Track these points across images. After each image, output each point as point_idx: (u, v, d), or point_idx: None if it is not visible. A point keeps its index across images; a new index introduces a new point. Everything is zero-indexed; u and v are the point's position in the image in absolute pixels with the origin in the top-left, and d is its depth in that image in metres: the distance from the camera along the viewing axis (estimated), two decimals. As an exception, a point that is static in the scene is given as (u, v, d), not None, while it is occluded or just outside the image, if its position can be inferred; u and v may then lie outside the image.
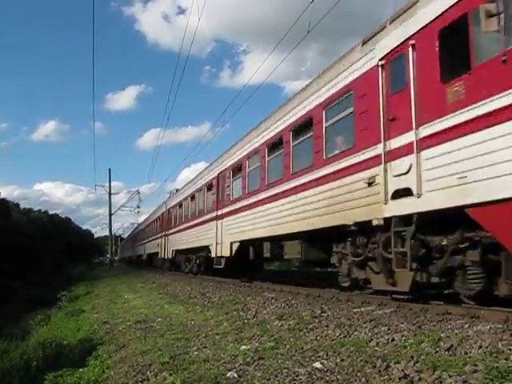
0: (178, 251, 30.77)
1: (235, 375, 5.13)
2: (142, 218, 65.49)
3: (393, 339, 5.92)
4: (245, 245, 17.11)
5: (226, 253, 18.56)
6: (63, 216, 77.68)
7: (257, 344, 6.49)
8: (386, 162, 8.99)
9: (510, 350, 4.91)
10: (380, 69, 9.33)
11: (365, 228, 9.84)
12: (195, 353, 6.39)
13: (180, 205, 30.94)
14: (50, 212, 69.36)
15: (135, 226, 70.94)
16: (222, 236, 19.36)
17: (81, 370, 7.19)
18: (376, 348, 5.64)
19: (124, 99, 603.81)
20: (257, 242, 15.99)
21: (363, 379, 4.54)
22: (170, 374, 5.48)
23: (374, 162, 9.36)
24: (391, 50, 9.08)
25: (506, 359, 4.61)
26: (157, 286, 19.78)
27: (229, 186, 19.41)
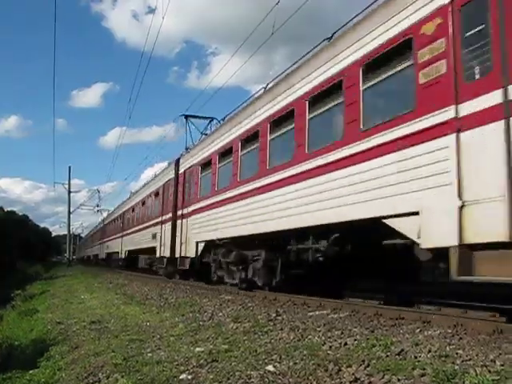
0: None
1: (188, 377, 5.12)
2: (101, 218, 64.63)
3: (345, 343, 6.00)
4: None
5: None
6: (20, 213, 75.85)
7: (211, 346, 6.47)
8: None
9: (456, 353, 5.05)
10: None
11: None
12: (149, 354, 6.34)
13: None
14: (7, 209, 67.68)
15: (95, 225, 70.63)
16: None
17: (31, 371, 7.04)
18: (329, 352, 5.70)
19: (90, 96, 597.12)
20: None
21: (315, 382, 4.57)
22: (122, 376, 5.41)
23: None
24: None
25: (453, 363, 4.73)
26: (114, 287, 19.56)
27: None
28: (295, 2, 14.14)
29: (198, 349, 6.36)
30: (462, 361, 4.81)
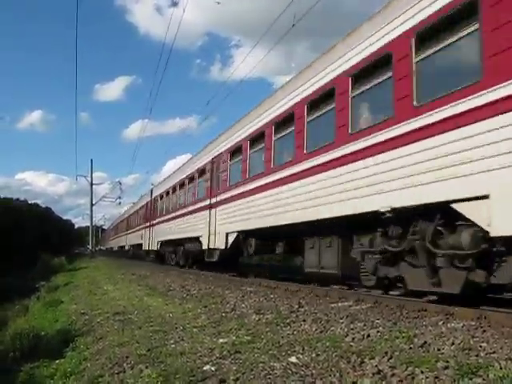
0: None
1: (212, 368, 5.17)
2: (124, 209, 64.67)
3: (368, 335, 6.00)
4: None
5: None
6: (44, 206, 76.78)
7: (234, 338, 6.52)
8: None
9: (480, 346, 5.03)
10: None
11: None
12: (172, 345, 6.41)
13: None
14: (31, 201, 68.60)
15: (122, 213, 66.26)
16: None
17: (57, 361, 7.16)
18: (351, 343, 5.71)
19: (112, 90, 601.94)
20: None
21: (337, 374, 4.59)
22: (147, 367, 5.49)
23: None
24: None
25: (477, 356, 4.71)
26: (136, 278, 19.73)
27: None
28: (316, -7, 14.01)
29: (221, 340, 6.42)
30: (486, 354, 4.79)
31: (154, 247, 32.15)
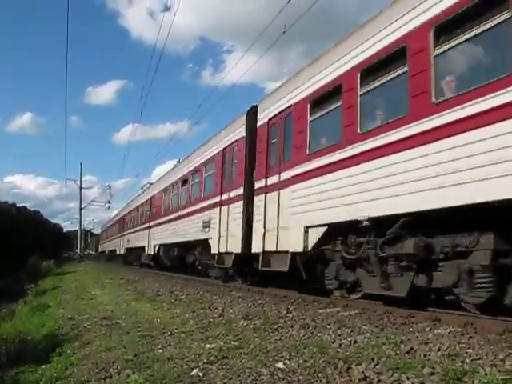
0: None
1: (199, 373, 5.16)
2: (114, 213, 63.57)
3: (355, 341, 6.02)
4: None
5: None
6: (32, 209, 76.33)
7: (221, 343, 6.51)
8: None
9: (466, 353, 5.07)
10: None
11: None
12: (160, 351, 6.40)
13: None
14: (20, 205, 68.21)
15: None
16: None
17: (43, 366, 7.14)
18: (338, 349, 5.72)
19: (104, 93, 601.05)
20: None
21: (324, 380, 4.60)
22: (133, 372, 5.48)
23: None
24: None
25: (463, 362, 4.75)
26: (125, 283, 19.66)
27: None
28: (308, 0, 14.06)
29: (208, 345, 6.41)
30: (472, 360, 4.82)
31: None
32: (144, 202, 35.02)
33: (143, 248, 31.47)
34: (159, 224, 27.01)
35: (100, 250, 79.21)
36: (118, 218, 52.96)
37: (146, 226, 32.09)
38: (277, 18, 14.68)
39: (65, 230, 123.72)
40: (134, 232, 38.88)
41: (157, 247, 27.31)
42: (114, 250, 50.77)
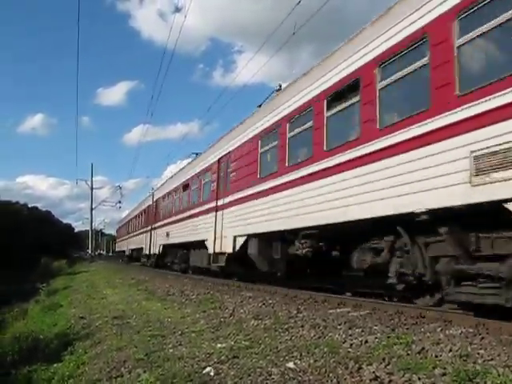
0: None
1: (210, 373, 5.18)
2: (125, 213, 63.74)
3: (366, 341, 6.00)
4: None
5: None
6: (44, 209, 76.87)
7: (232, 343, 6.52)
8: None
9: (478, 353, 5.03)
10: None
11: None
12: (170, 350, 6.41)
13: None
14: (31, 205, 68.77)
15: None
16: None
17: (55, 365, 7.20)
18: (349, 349, 5.71)
19: (115, 94, 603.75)
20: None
21: (335, 380, 4.60)
22: (145, 371, 5.50)
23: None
24: None
25: (474, 363, 4.72)
26: (136, 282, 19.71)
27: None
28: (318, 1, 14.08)
29: (219, 345, 6.42)
30: (484, 361, 4.80)
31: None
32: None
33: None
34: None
35: (118, 248, 68.74)
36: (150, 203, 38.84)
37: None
38: (287, 19, 14.70)
39: (76, 230, 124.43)
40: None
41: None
42: (141, 249, 38.96)
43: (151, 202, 34.31)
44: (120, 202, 70.17)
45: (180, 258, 25.78)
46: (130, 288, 17.30)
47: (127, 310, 10.96)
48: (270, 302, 10.54)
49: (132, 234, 44.81)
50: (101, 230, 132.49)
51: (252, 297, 11.78)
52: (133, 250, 45.99)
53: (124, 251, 54.41)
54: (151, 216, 33.72)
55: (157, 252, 30.49)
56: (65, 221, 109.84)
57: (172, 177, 29.24)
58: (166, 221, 28.01)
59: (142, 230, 38.06)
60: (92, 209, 64.33)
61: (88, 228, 73.83)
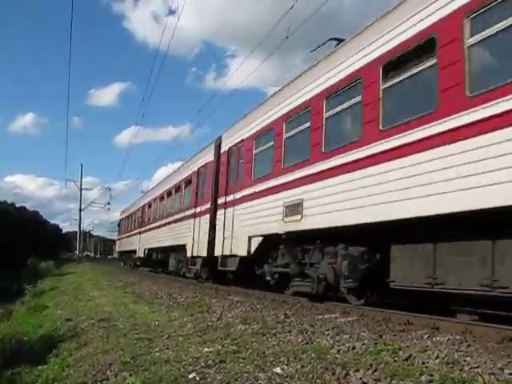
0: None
1: (196, 377, 5.15)
2: (115, 215, 63.17)
3: (353, 347, 5.99)
4: None
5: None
6: (32, 209, 76.35)
7: (219, 347, 6.49)
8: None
9: (464, 361, 5.04)
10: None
11: None
12: (157, 353, 6.37)
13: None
14: (19, 205, 68.31)
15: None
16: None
17: (40, 367, 7.12)
18: (337, 355, 5.70)
19: (107, 95, 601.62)
20: None
21: (322, 386, 4.59)
22: (131, 375, 5.46)
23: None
24: None
25: (461, 370, 4.72)
26: (123, 285, 19.62)
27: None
28: (311, 5, 14.17)
29: (206, 349, 6.39)
30: (470, 368, 4.80)
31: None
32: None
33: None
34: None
35: (120, 248, 50.88)
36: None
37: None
38: (280, 24, 14.76)
39: (64, 231, 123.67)
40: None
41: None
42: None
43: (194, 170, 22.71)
44: (109, 203, 70.09)
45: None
46: (118, 290, 17.21)
47: (114, 312, 10.89)
48: (258, 306, 10.52)
49: (155, 225, 29.25)
50: (89, 231, 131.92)
51: (240, 301, 11.75)
52: (154, 251, 30.43)
53: (132, 251, 38.08)
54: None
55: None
56: (53, 221, 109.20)
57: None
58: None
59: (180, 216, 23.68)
60: (81, 210, 64.18)
61: (76, 229, 73.49)
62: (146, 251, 30.68)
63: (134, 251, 35.51)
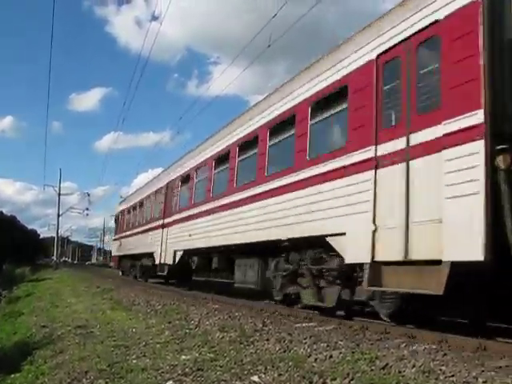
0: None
1: (173, 386, 5.12)
2: (94, 221, 62.09)
3: (331, 356, 6.01)
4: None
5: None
6: (9, 214, 75.29)
7: (197, 355, 6.47)
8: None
9: (440, 370, 5.08)
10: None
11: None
12: (134, 361, 6.33)
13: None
14: (-4, 209, 67.29)
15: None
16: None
17: (13, 375, 7.02)
18: (314, 364, 5.71)
19: (88, 100, 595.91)
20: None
21: (299, 394, 4.59)
22: (107, 382, 5.42)
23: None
24: None
25: (436, 379, 4.76)
26: (101, 291, 19.43)
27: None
28: (295, 14, 14.30)
29: (183, 357, 6.36)
30: (446, 377, 4.84)
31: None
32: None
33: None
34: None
35: (118, 252, 35.50)
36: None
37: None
38: (263, 33, 14.87)
39: (41, 236, 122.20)
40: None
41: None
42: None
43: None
44: (88, 209, 69.33)
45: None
46: (95, 297, 17.03)
47: (91, 319, 10.79)
48: (236, 314, 10.49)
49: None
50: (67, 237, 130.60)
51: (218, 309, 11.72)
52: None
53: (141, 256, 26.90)
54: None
55: None
56: (30, 226, 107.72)
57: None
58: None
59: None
60: (59, 215, 63.32)
61: (53, 234, 72.60)
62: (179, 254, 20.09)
63: (147, 255, 25.31)
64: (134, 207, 30.48)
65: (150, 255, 23.89)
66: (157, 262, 22.15)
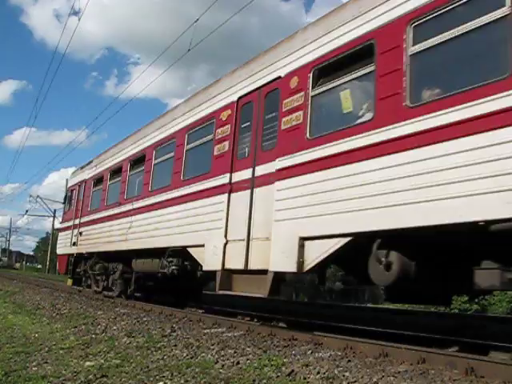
0: None
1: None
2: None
3: (238, 362, 6.05)
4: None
5: None
6: None
7: (102, 361, 6.31)
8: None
9: (343, 375, 5.24)
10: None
11: None
12: (34, 368, 6.06)
13: None
14: None
15: None
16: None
17: None
18: (221, 370, 5.72)
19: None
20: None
21: (204, 401, 4.58)
22: (1, 392, 5.16)
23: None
24: None
25: (340, 384, 4.90)
26: (3, 294, 18.56)
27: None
28: (217, 20, 14.41)
29: (88, 363, 6.18)
30: (348, 383, 5.00)
31: None
32: None
33: None
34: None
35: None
36: None
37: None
38: (185, 37, 14.87)
39: None
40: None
41: None
42: None
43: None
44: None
45: None
46: (-4, 300, 16.24)
47: (-10, 324, 10.25)
48: (145, 319, 10.35)
49: None
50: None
51: (126, 313, 11.50)
52: None
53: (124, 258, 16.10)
54: None
55: None
56: None
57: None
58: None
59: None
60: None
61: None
62: None
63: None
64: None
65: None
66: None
